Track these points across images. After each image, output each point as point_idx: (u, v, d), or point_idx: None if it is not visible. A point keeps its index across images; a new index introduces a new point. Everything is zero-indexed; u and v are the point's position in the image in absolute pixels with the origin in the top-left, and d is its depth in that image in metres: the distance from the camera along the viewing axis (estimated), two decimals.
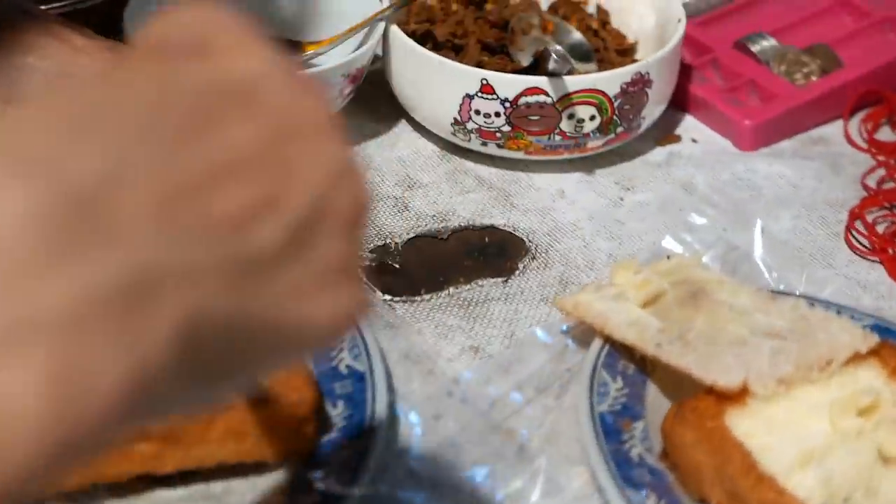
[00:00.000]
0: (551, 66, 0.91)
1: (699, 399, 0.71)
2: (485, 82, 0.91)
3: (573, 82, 0.91)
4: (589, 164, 0.98)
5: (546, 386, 0.78)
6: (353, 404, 0.72)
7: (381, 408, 0.72)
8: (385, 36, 0.97)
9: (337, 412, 0.72)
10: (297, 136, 0.40)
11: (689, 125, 1.04)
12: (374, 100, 1.03)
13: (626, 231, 0.92)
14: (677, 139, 1.02)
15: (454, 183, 0.96)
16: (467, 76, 0.92)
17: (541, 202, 0.95)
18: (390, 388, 0.76)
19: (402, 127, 1.02)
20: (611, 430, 0.72)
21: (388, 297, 0.85)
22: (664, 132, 1.02)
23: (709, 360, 0.72)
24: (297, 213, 0.39)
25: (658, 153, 1.00)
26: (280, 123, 0.40)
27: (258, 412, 0.68)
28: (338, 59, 0.93)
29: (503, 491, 0.71)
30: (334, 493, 0.67)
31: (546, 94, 0.91)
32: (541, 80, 0.91)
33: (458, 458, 0.73)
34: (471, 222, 0.92)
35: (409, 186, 0.95)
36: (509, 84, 0.91)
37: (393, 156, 0.99)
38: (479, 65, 0.95)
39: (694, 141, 1.02)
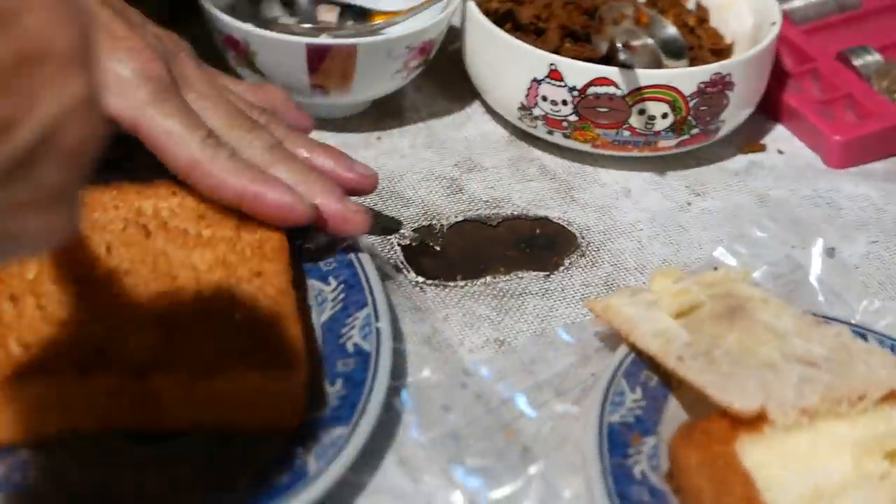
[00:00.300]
0: (621, 57, 0.86)
1: (713, 420, 0.67)
2: (553, 68, 0.87)
3: (645, 76, 0.86)
4: (661, 164, 0.93)
5: (566, 390, 0.74)
6: (351, 384, 0.69)
7: (379, 391, 0.68)
8: (463, 12, 0.93)
9: (333, 390, 0.69)
10: (46, 63, 0.41)
11: (778, 135, 0.98)
12: (451, 78, 1.00)
13: (686, 238, 0.87)
14: (762, 148, 0.96)
15: (516, 170, 0.92)
16: (536, 60, 0.88)
17: (603, 198, 0.90)
18: (398, 373, 0.73)
19: (474, 108, 0.99)
20: (617, 442, 0.68)
21: (420, 279, 0.81)
22: (748, 139, 0.97)
23: (729, 380, 0.67)
24: (23, 141, 0.41)
25: (738, 161, 0.95)
26: (31, 48, 0.41)
27: (244, 381, 0.65)
28: (406, 30, 0.90)
29: (494, 493, 0.67)
30: (310, 473, 0.63)
31: (616, 85, 0.86)
32: (611, 71, 0.86)
33: (456, 454, 0.69)
34: (524, 212, 0.88)
35: (468, 169, 0.92)
36: (578, 72, 0.87)
37: (459, 136, 0.95)
38: (556, 51, 0.91)
39: (780, 152, 0.96)
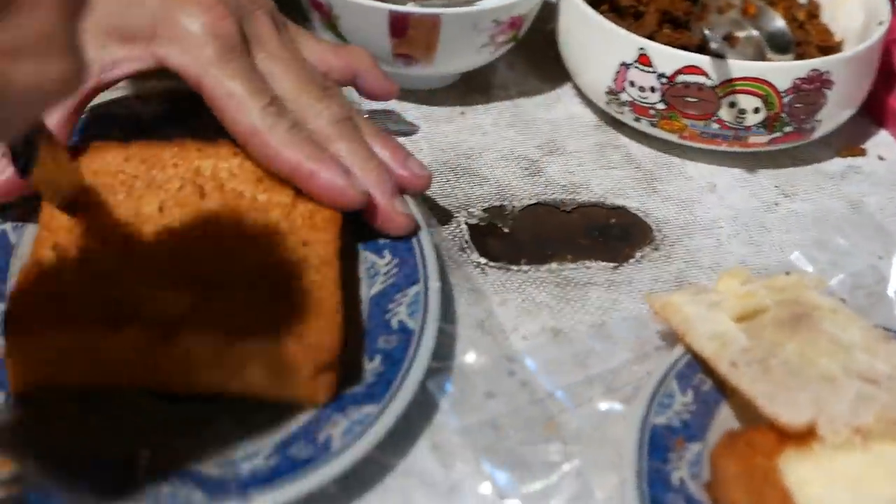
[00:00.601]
0: (713, 46, 0.82)
1: (758, 431, 0.63)
2: (642, 52, 0.84)
3: (738, 67, 0.82)
4: (751, 160, 0.89)
5: (617, 387, 0.71)
6: (389, 361, 0.67)
7: (417, 371, 0.66)
8: None
9: (371, 366, 0.67)
10: None
11: (881, 140, 0.93)
12: (544, 58, 0.97)
13: (769, 239, 0.83)
14: (862, 152, 0.92)
15: (600, 156, 0.89)
16: (625, 43, 0.84)
17: (687, 192, 0.87)
18: (443, 355, 0.70)
19: (565, 90, 0.96)
20: (659, 445, 0.65)
21: (483, 260, 0.79)
22: (848, 142, 0.92)
23: (781, 391, 0.64)
24: None
25: (835, 164, 0.91)
26: None
27: (275, 348, 0.63)
28: (494, 3, 0.87)
29: (525, 487, 0.65)
30: (333, 448, 0.62)
31: (706, 75, 0.83)
32: (701, 60, 0.83)
33: (492, 443, 0.66)
34: (601, 199, 0.85)
35: (549, 151, 0.89)
36: (667, 58, 0.83)
37: (546, 117, 0.93)
38: (651, 36, 0.87)
39: (881, 158, 0.92)
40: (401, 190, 0.75)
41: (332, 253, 0.69)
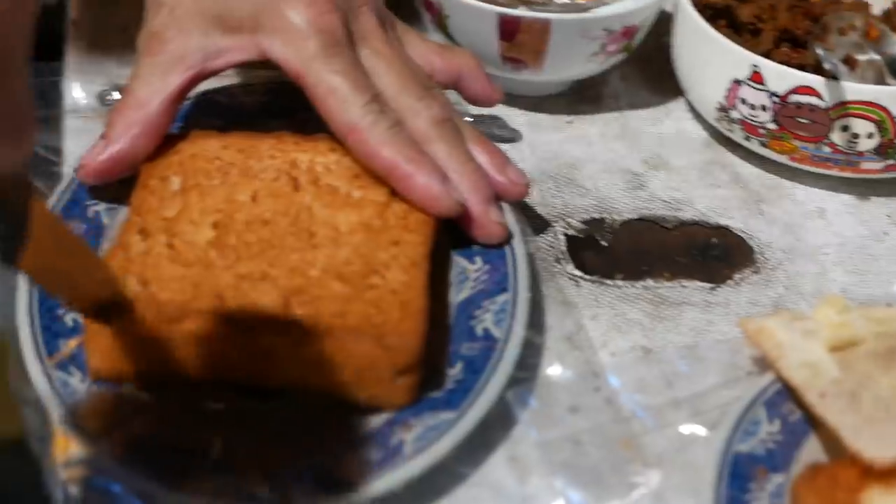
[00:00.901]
0: (826, 66, 0.80)
1: (842, 466, 0.61)
2: (755, 69, 0.82)
3: (852, 90, 0.80)
4: (863, 187, 0.87)
5: (705, 410, 0.69)
6: (471, 369, 0.66)
7: (497, 381, 0.65)
8: (676, 2, 0.89)
9: (452, 373, 0.66)
10: None
11: None
12: (659, 72, 0.95)
13: (875, 269, 0.80)
14: None
15: (706, 174, 0.87)
16: (738, 59, 0.82)
17: (793, 216, 0.84)
18: (528, 367, 0.69)
19: (676, 105, 0.94)
20: (740, 473, 0.63)
21: (578, 272, 0.78)
22: None
23: (868, 425, 0.62)
24: None
25: None
26: None
27: (357, 348, 0.63)
28: (606, 11, 0.86)
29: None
30: (405, 453, 0.61)
31: (819, 96, 0.80)
32: (815, 80, 0.80)
33: (570, 459, 0.65)
34: (704, 218, 0.83)
35: (654, 166, 0.87)
36: (780, 77, 0.81)
37: (654, 131, 0.91)
38: (767, 54, 0.85)
39: None
40: (497, 197, 0.74)
41: (422, 255, 0.68)
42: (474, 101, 0.81)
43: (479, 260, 0.73)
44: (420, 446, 0.61)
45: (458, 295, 0.71)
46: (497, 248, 0.73)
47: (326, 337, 0.63)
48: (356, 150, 0.72)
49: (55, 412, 0.61)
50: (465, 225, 0.72)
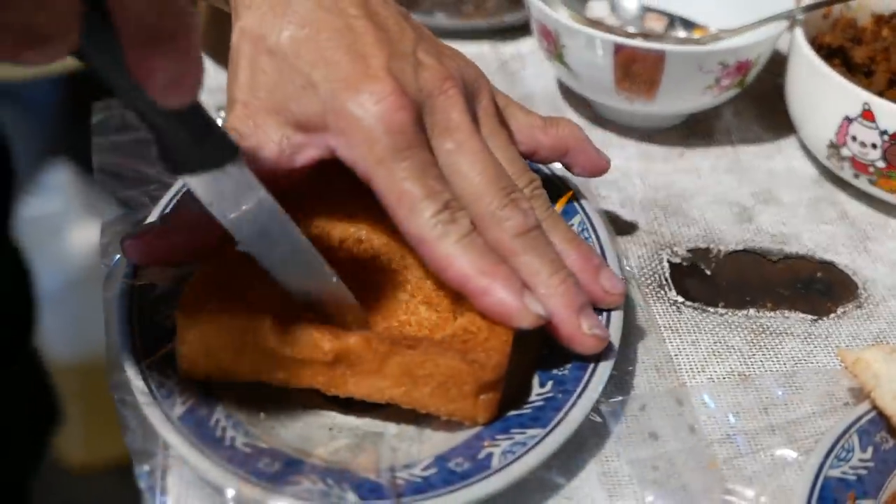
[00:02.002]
0: None
1: None
2: (867, 107, 0.82)
3: None
4: None
5: (799, 437, 0.70)
6: (561, 389, 0.67)
7: (586, 401, 0.66)
8: (791, 40, 0.90)
9: (542, 391, 0.68)
10: None
11: None
12: (772, 109, 0.97)
13: None
14: None
15: (814, 210, 0.88)
16: (850, 96, 0.83)
17: None
18: (624, 388, 0.71)
19: (787, 142, 0.95)
20: (829, 497, 0.63)
21: (680, 298, 0.79)
22: None
23: None
24: None
25: None
26: None
27: (439, 362, 0.64)
28: (721, 45, 0.87)
29: None
30: (492, 466, 0.62)
31: None
32: None
33: (662, 478, 0.66)
34: (810, 253, 0.84)
35: (763, 200, 0.88)
36: (891, 115, 0.81)
37: (765, 167, 0.92)
38: (881, 93, 0.86)
39: None
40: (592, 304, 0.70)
41: None
42: (581, 174, 0.78)
43: None
44: (507, 460, 0.63)
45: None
46: None
47: (411, 351, 0.64)
48: (426, 259, 0.67)
49: (152, 412, 0.63)
50: (557, 335, 0.68)
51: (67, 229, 2.10)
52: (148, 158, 0.81)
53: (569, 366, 0.68)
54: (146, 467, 0.63)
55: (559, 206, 0.78)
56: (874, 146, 0.83)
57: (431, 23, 1.01)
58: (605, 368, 0.68)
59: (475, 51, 1.01)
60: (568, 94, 0.97)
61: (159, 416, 0.62)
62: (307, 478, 0.61)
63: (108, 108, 0.83)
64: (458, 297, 0.68)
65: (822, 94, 0.86)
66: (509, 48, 1.01)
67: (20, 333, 1.38)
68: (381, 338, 0.64)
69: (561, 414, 0.65)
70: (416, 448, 0.65)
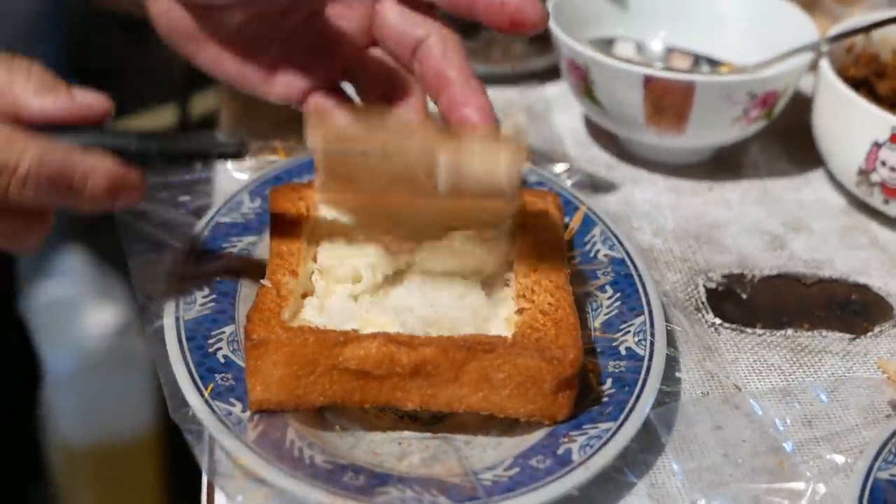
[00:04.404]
0: None
1: None
2: (895, 131, 0.83)
3: None
4: None
5: (847, 448, 0.70)
6: (621, 384, 0.69)
7: (649, 393, 0.68)
8: (817, 72, 0.91)
9: (603, 389, 0.69)
10: None
11: None
12: (797, 144, 0.98)
13: None
14: None
15: (845, 237, 0.89)
16: (877, 121, 0.84)
17: None
18: (671, 378, 0.73)
19: (815, 175, 0.96)
20: (880, 498, 0.64)
21: (718, 320, 0.79)
22: None
23: None
24: None
25: None
26: None
27: (518, 363, 0.65)
28: (748, 76, 0.89)
29: None
30: (574, 461, 0.64)
31: None
32: None
33: (718, 479, 0.67)
34: (844, 276, 0.85)
35: (794, 229, 0.89)
36: None
37: (793, 198, 0.93)
38: None
39: None
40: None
41: (563, 279, 0.71)
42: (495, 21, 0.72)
43: (609, 289, 0.76)
44: (586, 454, 0.64)
45: (594, 320, 0.74)
46: (625, 279, 0.76)
47: (489, 355, 0.65)
48: None
49: (229, 441, 0.63)
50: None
51: (80, 313, 2.10)
52: (167, 201, 0.82)
53: (624, 364, 0.70)
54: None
55: (575, 222, 0.81)
56: None
57: None
58: (657, 367, 0.70)
59: (502, 96, 1.03)
60: (595, 133, 0.98)
61: (236, 444, 0.63)
62: (395, 488, 0.62)
63: None
64: (517, 303, 0.69)
65: (850, 121, 0.87)
66: (536, 93, 1.03)
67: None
68: (458, 345, 0.65)
69: (628, 408, 0.67)
70: (491, 452, 0.66)
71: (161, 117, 1.82)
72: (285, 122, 0.82)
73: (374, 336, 0.65)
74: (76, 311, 2.09)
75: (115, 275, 2.03)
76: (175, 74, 1.66)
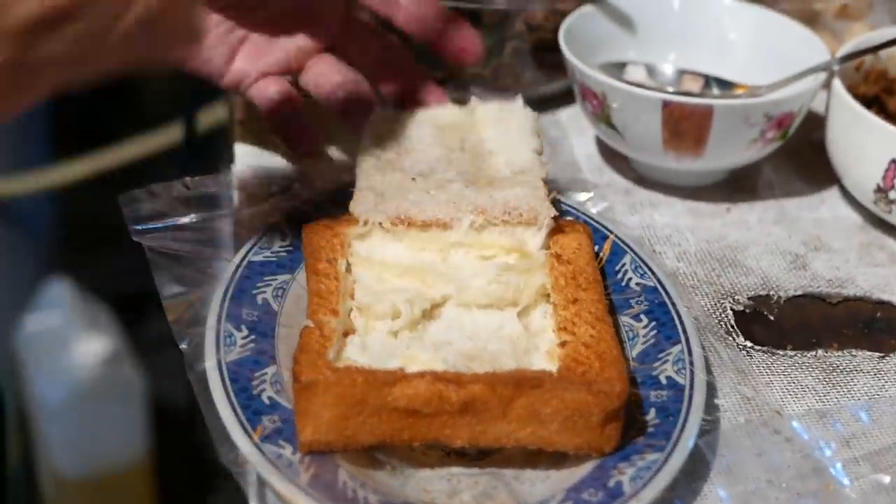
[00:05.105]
0: None
1: None
2: None
3: None
4: None
5: (884, 467, 0.71)
6: (664, 414, 0.69)
7: (693, 422, 0.68)
8: (829, 91, 0.92)
9: (647, 419, 0.69)
10: None
11: None
12: (809, 163, 0.99)
13: None
14: None
15: (865, 254, 0.90)
16: (894, 138, 0.85)
17: None
18: (710, 405, 0.72)
19: (830, 193, 0.97)
20: None
21: (749, 343, 0.80)
22: None
23: None
24: None
25: None
26: None
27: (565, 397, 0.65)
28: (765, 98, 0.90)
29: None
30: (625, 493, 0.64)
31: None
32: None
33: (765, 494, 0.68)
34: (867, 294, 0.86)
35: (815, 248, 0.90)
36: None
37: (810, 216, 0.94)
38: None
39: None
40: None
41: (602, 310, 0.72)
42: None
43: (644, 318, 0.76)
44: (637, 486, 0.64)
45: (632, 350, 0.74)
46: (659, 307, 0.76)
47: (536, 390, 0.65)
48: None
49: (283, 485, 0.63)
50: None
51: (69, 343, 2.09)
52: (196, 240, 0.82)
53: (665, 393, 0.70)
54: None
55: (605, 252, 0.81)
56: None
57: (468, 95, 1.03)
58: (699, 396, 0.70)
59: None
60: (610, 157, 0.99)
61: (291, 488, 0.63)
62: None
63: (135, 199, 0.84)
64: (558, 336, 0.70)
65: (866, 140, 0.88)
66: (547, 119, 1.03)
67: None
68: (505, 381, 0.65)
69: (674, 438, 0.67)
70: (540, 486, 0.66)
71: (167, 135, 1.81)
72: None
73: (423, 375, 0.65)
74: (65, 342, 2.08)
75: (103, 304, 2.02)
76: (177, 90, 1.66)
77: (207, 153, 1.51)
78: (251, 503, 0.66)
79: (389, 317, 0.71)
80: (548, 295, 0.74)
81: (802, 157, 0.99)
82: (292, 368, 0.66)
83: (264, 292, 0.77)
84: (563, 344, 0.69)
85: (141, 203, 0.83)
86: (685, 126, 0.88)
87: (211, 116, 1.63)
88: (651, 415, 0.69)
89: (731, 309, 0.83)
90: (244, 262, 0.78)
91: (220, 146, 1.04)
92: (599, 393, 0.65)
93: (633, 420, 0.69)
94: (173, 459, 1.84)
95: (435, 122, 0.85)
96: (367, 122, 0.85)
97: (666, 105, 0.87)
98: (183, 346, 0.73)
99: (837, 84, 0.90)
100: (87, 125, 1.84)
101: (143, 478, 1.87)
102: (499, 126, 0.85)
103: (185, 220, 0.83)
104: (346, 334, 0.71)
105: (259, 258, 0.79)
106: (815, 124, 0.97)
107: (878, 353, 0.80)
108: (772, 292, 0.85)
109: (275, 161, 0.93)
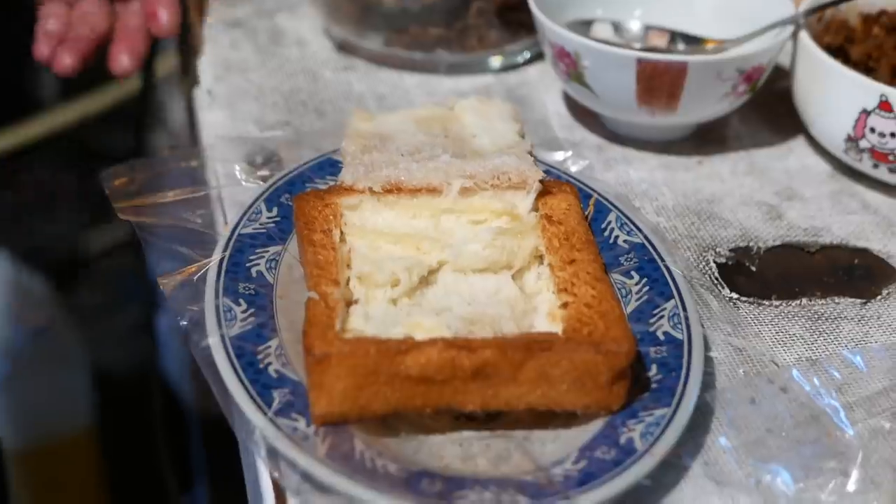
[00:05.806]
0: None
1: None
2: (884, 98, 0.86)
3: None
4: None
5: (878, 411, 0.73)
6: (666, 369, 0.70)
7: (696, 376, 0.70)
8: (794, 43, 0.94)
9: (650, 375, 0.70)
10: None
11: None
12: (775, 113, 1.01)
13: None
14: None
15: (837, 202, 0.92)
16: (866, 89, 0.87)
17: None
18: (709, 379, 0.74)
19: (798, 142, 0.98)
20: None
21: (735, 295, 0.82)
22: None
23: None
24: None
25: None
26: None
27: (574, 358, 0.66)
28: (737, 53, 0.91)
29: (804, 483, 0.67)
30: (637, 450, 0.65)
31: None
32: None
33: (768, 453, 0.69)
34: (844, 242, 0.87)
35: (787, 197, 0.92)
36: None
37: (780, 166, 0.96)
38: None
39: None
40: None
41: (599, 270, 0.73)
42: None
43: (635, 275, 0.77)
44: (648, 441, 0.66)
45: (626, 308, 0.75)
46: (649, 264, 0.77)
47: (545, 352, 0.66)
48: None
49: (301, 457, 0.64)
50: None
51: (4, 317, 2.07)
52: (183, 215, 0.82)
53: (664, 349, 0.72)
54: None
55: (590, 210, 0.82)
56: (893, 135, 0.87)
57: (434, 59, 1.03)
58: (698, 349, 0.71)
59: (482, 83, 1.03)
60: (580, 114, 0.99)
61: (310, 460, 0.63)
62: (472, 491, 0.63)
63: (116, 174, 0.84)
64: (559, 297, 0.71)
65: (836, 91, 0.89)
66: (514, 77, 1.04)
67: None
68: (516, 345, 0.66)
69: (679, 392, 0.68)
70: (551, 446, 0.67)
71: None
72: None
73: (434, 342, 0.66)
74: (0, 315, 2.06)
75: (36, 275, 2.00)
76: None
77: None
78: (265, 476, 0.67)
79: (389, 285, 0.72)
80: (540, 257, 0.75)
81: (768, 108, 1.01)
82: (303, 342, 0.66)
83: (258, 265, 0.77)
84: (564, 305, 0.70)
85: (122, 179, 0.83)
86: (659, 83, 0.89)
87: (167, 63, 1.59)
88: (653, 371, 0.70)
89: (714, 261, 0.85)
90: (234, 236, 0.78)
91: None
92: (608, 353, 0.67)
93: (635, 377, 0.70)
94: (118, 426, 1.84)
95: (415, 116, 0.86)
96: (348, 121, 0.85)
97: (640, 62, 0.88)
98: (183, 322, 0.72)
99: (805, 36, 0.92)
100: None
101: (88, 445, 1.86)
102: (479, 114, 0.86)
103: (169, 195, 0.82)
104: (347, 304, 0.71)
105: (248, 230, 0.78)
106: (776, 76, 0.98)
107: (860, 300, 0.82)
108: (751, 243, 0.87)
109: (248, 130, 0.93)
